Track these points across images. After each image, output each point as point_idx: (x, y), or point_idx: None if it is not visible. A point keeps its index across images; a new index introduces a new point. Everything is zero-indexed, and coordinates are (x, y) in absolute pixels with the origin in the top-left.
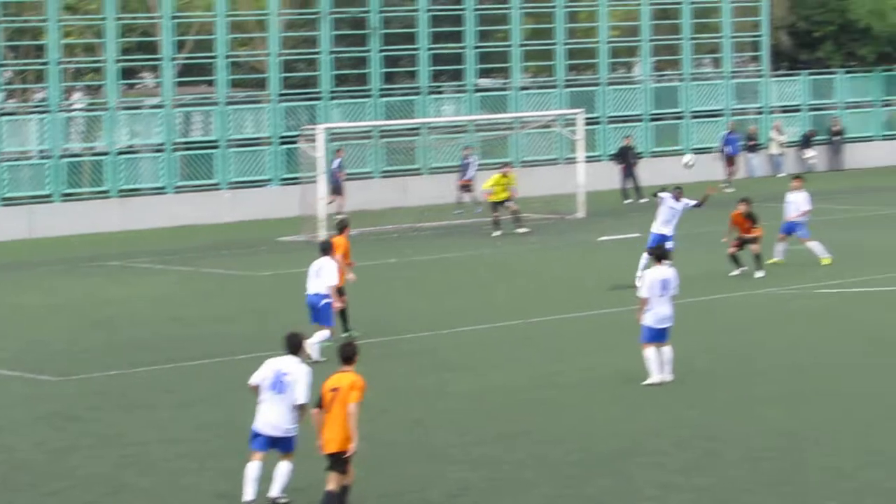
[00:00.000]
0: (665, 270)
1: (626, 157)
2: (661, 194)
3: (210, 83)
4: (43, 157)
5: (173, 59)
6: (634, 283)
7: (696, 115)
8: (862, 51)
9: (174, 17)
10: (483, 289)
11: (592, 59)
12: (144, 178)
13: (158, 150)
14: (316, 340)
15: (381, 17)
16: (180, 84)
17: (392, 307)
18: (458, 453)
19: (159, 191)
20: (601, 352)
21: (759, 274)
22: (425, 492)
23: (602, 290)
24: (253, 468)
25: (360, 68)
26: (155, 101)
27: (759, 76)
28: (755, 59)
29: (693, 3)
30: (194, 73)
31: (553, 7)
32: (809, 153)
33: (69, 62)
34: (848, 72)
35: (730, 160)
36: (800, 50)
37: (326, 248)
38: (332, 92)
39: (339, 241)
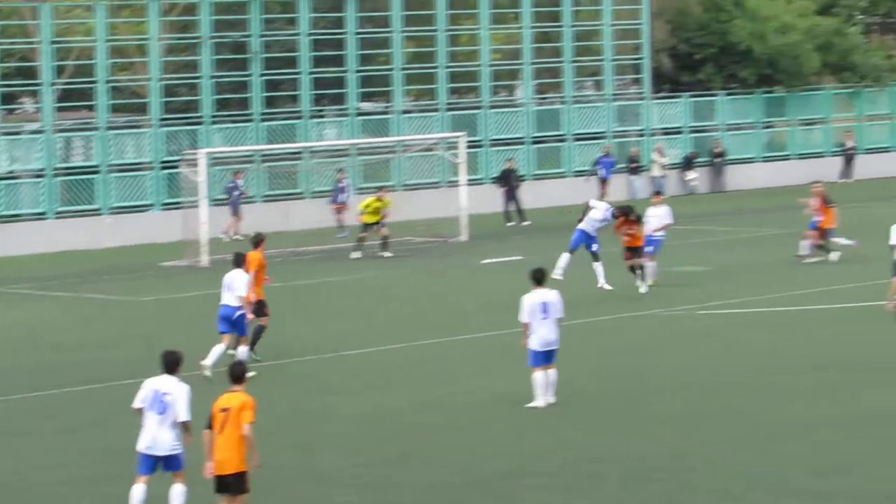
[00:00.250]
0: (545, 293)
1: (508, 180)
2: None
3: (90, 108)
4: None
5: (53, 84)
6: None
7: (578, 138)
8: (743, 73)
9: (53, 42)
10: (366, 312)
11: (474, 82)
12: (25, 203)
13: (39, 176)
14: (212, 358)
15: (262, 42)
16: (60, 109)
17: (276, 331)
18: (346, 477)
19: (40, 216)
20: (484, 374)
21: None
22: None
23: (484, 313)
24: (138, 491)
25: (242, 92)
26: (35, 126)
27: (641, 98)
28: (636, 81)
29: (574, 26)
30: (74, 97)
31: (434, 30)
32: (691, 175)
33: None
34: (729, 94)
35: (603, 182)
36: (681, 72)
37: (238, 261)
38: (214, 116)
39: (255, 255)
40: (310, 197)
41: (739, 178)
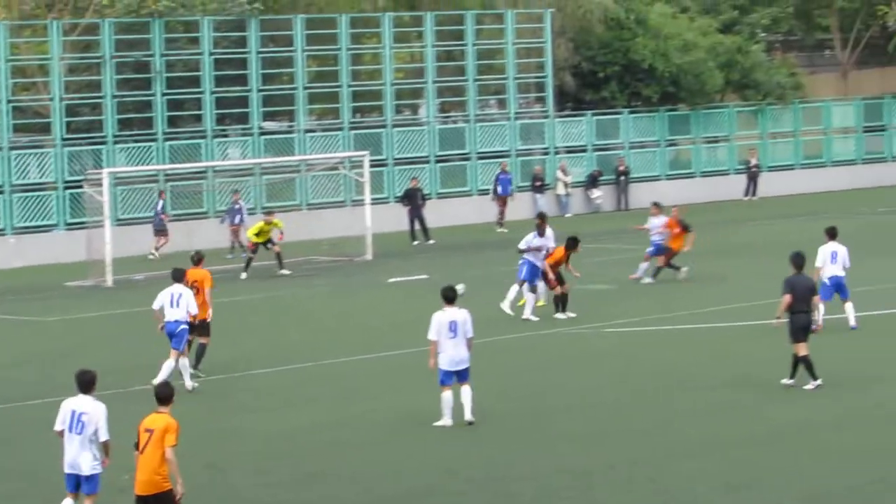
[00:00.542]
0: (455, 312)
1: (413, 199)
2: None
3: None
4: None
5: None
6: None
7: (482, 157)
8: (646, 91)
9: None
10: (275, 331)
11: (378, 101)
12: None
13: None
14: (162, 375)
15: (165, 61)
16: None
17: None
18: (256, 495)
19: None
20: (392, 393)
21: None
22: None
23: (391, 332)
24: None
25: (145, 112)
26: None
27: (545, 117)
28: (540, 99)
29: (477, 44)
30: None
31: (337, 49)
32: (596, 193)
33: None
34: (632, 112)
35: (502, 200)
36: (584, 90)
37: (178, 276)
38: (117, 136)
39: (204, 273)
40: (214, 216)
41: (644, 195)
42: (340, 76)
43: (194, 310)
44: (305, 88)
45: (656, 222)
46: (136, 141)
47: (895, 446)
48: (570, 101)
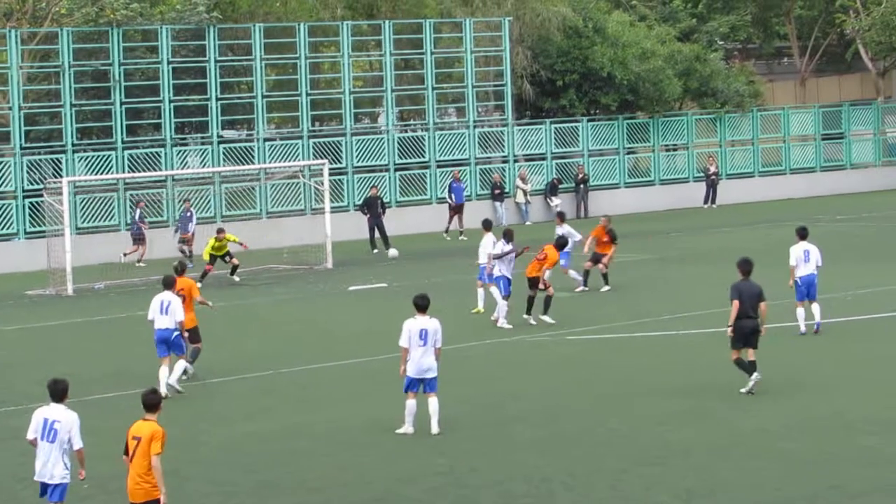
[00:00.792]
0: (426, 321)
1: (372, 207)
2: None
3: None
4: None
5: None
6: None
7: (442, 165)
8: (605, 99)
9: None
10: (234, 340)
11: (337, 109)
12: None
13: None
14: (175, 375)
15: (123, 70)
16: None
17: (141, 359)
18: None
19: None
20: (352, 401)
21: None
22: None
23: (352, 340)
24: None
25: (104, 121)
26: None
27: (504, 125)
28: (499, 107)
29: (435, 53)
30: None
31: (296, 58)
32: (555, 201)
33: None
34: (591, 120)
35: (456, 209)
36: (543, 98)
37: (169, 283)
38: (76, 145)
39: (191, 282)
40: (173, 224)
41: (603, 203)
42: (299, 85)
43: (181, 316)
44: (264, 97)
45: (560, 231)
46: (96, 150)
47: (853, 454)
48: (528, 110)
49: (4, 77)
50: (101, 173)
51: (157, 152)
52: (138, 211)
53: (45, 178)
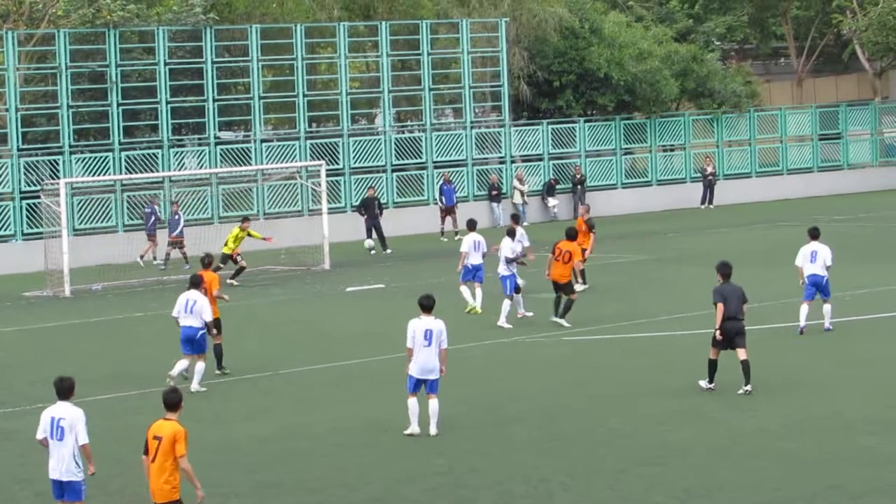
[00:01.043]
0: (430, 321)
1: (370, 208)
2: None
3: None
4: None
5: None
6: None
7: (439, 166)
8: (601, 99)
9: None
10: (233, 341)
11: (334, 110)
12: None
13: None
14: (196, 379)
15: (120, 71)
16: None
17: (138, 360)
18: None
19: None
20: (351, 401)
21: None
22: None
23: (350, 341)
24: None
25: (101, 122)
26: None
27: (501, 126)
28: (496, 108)
29: (432, 54)
30: None
31: (293, 59)
32: (552, 201)
33: None
34: (588, 120)
35: (448, 211)
36: (540, 99)
37: (196, 282)
38: (73, 146)
39: (213, 276)
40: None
41: (601, 204)
42: (296, 86)
43: (209, 317)
44: (261, 98)
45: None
46: (93, 151)
47: (853, 454)
48: (525, 110)
49: (1, 79)
50: (99, 174)
51: (154, 153)
52: (154, 208)
53: (43, 180)
